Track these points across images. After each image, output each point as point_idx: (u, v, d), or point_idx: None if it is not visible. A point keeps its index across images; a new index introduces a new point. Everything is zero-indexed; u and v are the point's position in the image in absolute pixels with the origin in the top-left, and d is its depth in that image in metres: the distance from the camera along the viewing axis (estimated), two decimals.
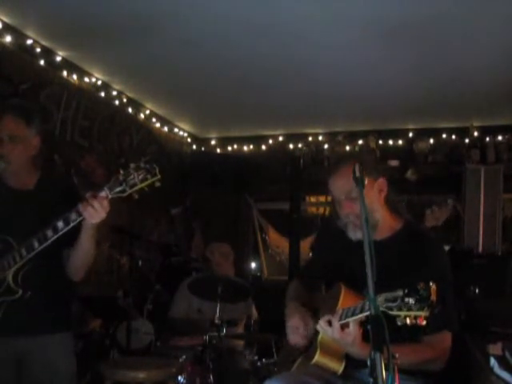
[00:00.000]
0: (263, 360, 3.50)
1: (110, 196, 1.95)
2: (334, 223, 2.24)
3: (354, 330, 1.77)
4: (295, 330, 2.18)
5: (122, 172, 1.92)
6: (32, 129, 2.26)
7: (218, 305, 3.45)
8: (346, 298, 2.00)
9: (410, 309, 1.53)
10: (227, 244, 4.47)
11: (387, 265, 1.99)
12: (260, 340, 3.73)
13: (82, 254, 2.23)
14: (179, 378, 3.26)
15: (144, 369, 3.00)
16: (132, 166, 1.91)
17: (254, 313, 4.26)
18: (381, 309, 1.56)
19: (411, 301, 1.53)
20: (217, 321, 3.40)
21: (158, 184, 1.92)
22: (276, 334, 3.51)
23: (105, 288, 4.46)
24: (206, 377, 3.32)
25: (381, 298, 1.58)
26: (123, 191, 1.92)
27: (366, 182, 1.80)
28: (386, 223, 2.15)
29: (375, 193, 2.12)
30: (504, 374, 2.61)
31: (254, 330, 3.86)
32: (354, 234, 2.11)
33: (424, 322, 1.53)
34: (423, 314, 1.51)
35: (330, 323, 1.82)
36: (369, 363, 1.46)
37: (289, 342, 2.24)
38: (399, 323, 1.54)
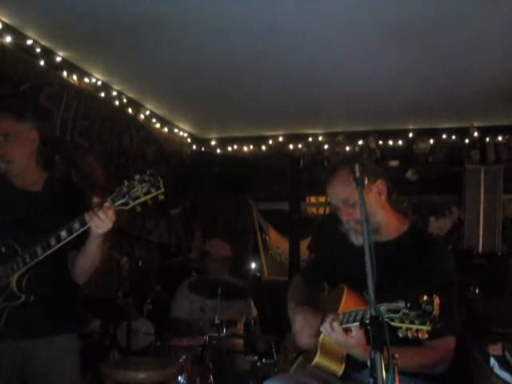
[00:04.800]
0: (263, 360, 3.50)
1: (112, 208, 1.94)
2: (335, 225, 2.24)
3: (357, 333, 1.77)
4: (301, 332, 2.18)
5: (126, 183, 1.90)
6: (25, 124, 2.25)
7: (218, 305, 3.45)
8: (348, 300, 1.99)
9: (412, 322, 1.52)
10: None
11: (393, 266, 1.99)
12: (260, 340, 3.73)
13: (89, 261, 2.24)
14: (179, 378, 3.26)
15: (144, 369, 3.01)
16: (137, 177, 1.89)
17: (254, 311, 4.26)
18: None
19: (413, 314, 1.52)
20: (217, 321, 3.40)
21: (161, 197, 1.90)
22: (276, 334, 3.52)
23: (105, 288, 4.46)
24: (206, 377, 3.32)
25: (383, 308, 1.57)
26: (126, 204, 1.91)
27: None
28: (390, 225, 2.15)
29: (374, 195, 2.11)
30: (504, 374, 2.62)
31: (254, 330, 3.86)
32: (357, 240, 2.10)
33: (426, 336, 1.51)
34: (425, 328, 1.50)
35: (331, 326, 1.82)
36: (369, 364, 1.46)
37: (298, 344, 2.23)
38: (400, 335, 1.53)
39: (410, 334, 1.52)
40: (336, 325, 1.80)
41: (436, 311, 1.49)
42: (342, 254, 2.23)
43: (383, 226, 2.13)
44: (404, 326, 1.53)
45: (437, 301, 1.50)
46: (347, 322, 1.80)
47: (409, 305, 1.53)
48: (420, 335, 1.51)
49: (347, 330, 1.78)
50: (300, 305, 2.29)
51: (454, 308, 1.98)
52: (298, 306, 2.29)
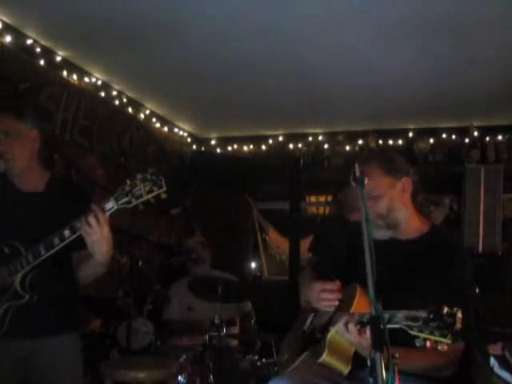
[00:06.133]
0: (263, 360, 3.50)
1: (115, 207, 1.94)
2: (338, 224, 2.24)
3: (369, 335, 1.75)
4: (322, 293, 2.12)
5: (128, 182, 1.90)
6: (26, 123, 2.25)
7: (217, 305, 3.45)
8: (360, 300, 1.97)
9: (431, 333, 1.48)
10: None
11: (411, 266, 2.00)
12: (260, 340, 3.73)
13: (92, 276, 2.29)
14: (179, 378, 3.26)
15: (144, 369, 3.00)
16: (139, 176, 1.90)
17: (248, 306, 4.24)
18: (399, 325, 1.54)
19: (434, 325, 1.48)
20: (217, 321, 3.40)
21: (164, 196, 1.91)
22: (276, 333, 3.52)
23: (105, 288, 4.46)
24: (206, 377, 3.32)
25: (401, 315, 1.56)
26: (129, 202, 1.91)
27: (388, 180, 1.92)
28: (411, 224, 2.15)
29: (398, 192, 2.12)
30: (504, 374, 2.62)
31: (252, 326, 3.87)
32: (377, 234, 2.10)
33: (445, 348, 1.48)
34: (445, 341, 1.47)
35: (346, 326, 1.80)
36: (369, 363, 1.45)
37: (319, 307, 2.17)
38: (418, 344, 1.50)
39: (428, 344, 1.49)
40: (351, 326, 1.78)
41: (458, 325, 1.46)
42: (352, 252, 2.20)
43: (403, 223, 2.13)
44: (423, 335, 1.50)
45: (459, 315, 1.47)
46: (362, 324, 1.78)
47: (431, 316, 1.49)
48: (439, 347, 1.48)
49: (361, 331, 1.77)
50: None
51: (467, 313, 1.96)
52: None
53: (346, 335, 1.82)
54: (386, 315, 1.60)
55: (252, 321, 4.15)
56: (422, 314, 1.52)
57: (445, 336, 1.47)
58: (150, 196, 1.90)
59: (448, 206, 5.23)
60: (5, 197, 2.25)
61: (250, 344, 3.73)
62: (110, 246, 2.04)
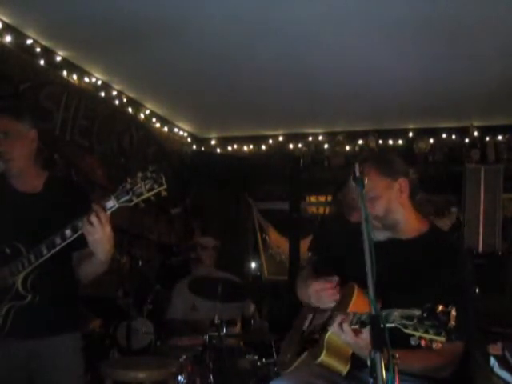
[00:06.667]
0: (263, 360, 3.49)
1: (116, 205, 1.94)
2: (338, 224, 2.24)
3: (366, 335, 1.73)
4: (322, 291, 2.13)
5: (128, 181, 1.91)
6: (24, 123, 2.26)
7: (217, 305, 3.45)
8: (358, 300, 1.97)
9: (426, 331, 1.49)
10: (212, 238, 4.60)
11: (410, 265, 2.00)
12: (260, 340, 3.74)
13: (93, 274, 2.29)
14: (179, 377, 3.26)
15: (144, 369, 3.00)
16: (139, 174, 1.90)
17: (252, 308, 4.24)
18: (394, 324, 1.54)
19: (428, 324, 1.48)
20: (217, 321, 3.40)
21: (164, 193, 1.91)
22: (276, 333, 3.52)
23: (105, 288, 4.45)
24: (206, 377, 3.32)
25: (396, 313, 1.56)
26: (130, 200, 1.91)
27: (385, 182, 1.94)
28: (409, 224, 2.15)
29: (395, 192, 2.12)
30: (504, 374, 2.62)
31: (248, 328, 3.88)
32: (373, 235, 2.10)
33: (440, 346, 1.48)
34: (440, 339, 1.47)
35: (341, 326, 1.79)
36: (369, 363, 1.45)
37: (321, 306, 2.18)
38: (413, 342, 1.50)
39: (423, 343, 1.49)
40: (346, 326, 1.77)
41: (452, 323, 1.46)
42: (351, 252, 2.20)
43: (402, 223, 2.13)
44: (417, 334, 1.50)
45: (453, 313, 1.47)
46: (356, 324, 1.77)
47: (425, 314, 1.50)
48: (434, 345, 1.48)
49: (357, 331, 1.75)
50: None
51: (467, 313, 1.95)
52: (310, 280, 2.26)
53: (341, 336, 1.81)
54: (383, 314, 1.60)
55: (252, 321, 4.15)
56: (417, 312, 1.52)
57: (439, 334, 1.47)
58: (150, 194, 1.90)
59: (455, 216, 5.22)
60: (4, 198, 2.26)
61: (251, 344, 3.73)
62: (111, 244, 2.05)
